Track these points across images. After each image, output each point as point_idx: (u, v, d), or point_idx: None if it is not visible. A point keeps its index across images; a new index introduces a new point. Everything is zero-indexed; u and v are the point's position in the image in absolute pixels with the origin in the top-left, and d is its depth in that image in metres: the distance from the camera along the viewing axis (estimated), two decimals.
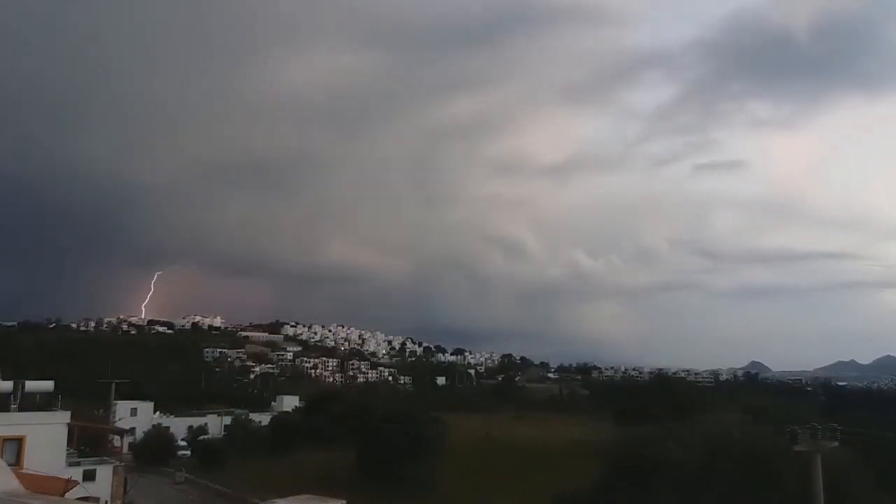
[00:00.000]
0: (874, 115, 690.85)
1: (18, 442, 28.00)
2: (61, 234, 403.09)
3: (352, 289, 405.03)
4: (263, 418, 75.41)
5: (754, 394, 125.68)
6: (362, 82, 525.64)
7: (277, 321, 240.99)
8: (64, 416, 30.85)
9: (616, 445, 38.44)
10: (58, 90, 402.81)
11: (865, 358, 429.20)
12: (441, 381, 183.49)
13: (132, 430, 61.73)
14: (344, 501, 5.45)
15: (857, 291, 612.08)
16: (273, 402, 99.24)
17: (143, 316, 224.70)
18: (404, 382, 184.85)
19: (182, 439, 71.94)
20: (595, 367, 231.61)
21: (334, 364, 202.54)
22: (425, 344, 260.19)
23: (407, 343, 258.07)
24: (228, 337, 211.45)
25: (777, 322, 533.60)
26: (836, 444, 25.21)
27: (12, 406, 29.94)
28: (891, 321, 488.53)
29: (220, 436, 71.96)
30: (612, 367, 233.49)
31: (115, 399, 59.10)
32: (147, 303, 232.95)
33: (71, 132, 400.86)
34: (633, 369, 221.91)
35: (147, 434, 66.69)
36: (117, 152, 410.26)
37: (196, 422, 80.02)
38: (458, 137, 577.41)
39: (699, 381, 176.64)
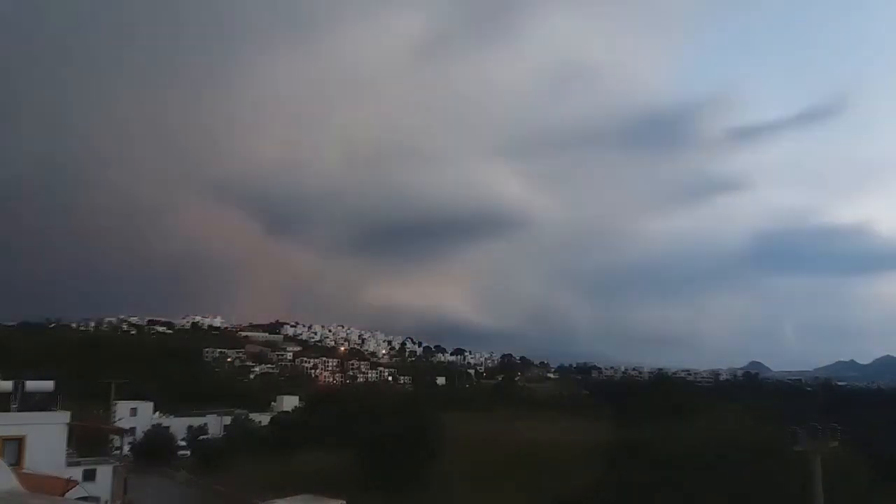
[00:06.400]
0: None
1: (18, 442, 27.96)
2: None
3: None
4: (263, 418, 75.45)
5: (754, 394, 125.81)
6: None
7: (277, 321, 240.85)
8: (64, 416, 30.82)
9: (616, 445, 38.50)
10: None
11: (865, 358, 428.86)
12: (441, 381, 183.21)
13: (132, 430, 61.69)
14: (344, 501, 5.44)
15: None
16: (273, 402, 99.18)
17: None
18: (404, 382, 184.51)
19: (182, 439, 71.92)
20: (595, 367, 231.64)
21: (334, 364, 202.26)
22: (425, 344, 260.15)
23: (407, 343, 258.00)
24: (228, 337, 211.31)
25: (777, 322, 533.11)
26: (836, 444, 25.19)
27: (12, 406, 29.92)
28: (890, 321, 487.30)
29: (220, 436, 71.98)
30: (612, 367, 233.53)
31: (115, 399, 59.05)
32: None
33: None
34: (633, 369, 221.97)
35: (147, 434, 66.69)
36: None
37: (196, 422, 79.99)
38: None
39: (699, 381, 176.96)
